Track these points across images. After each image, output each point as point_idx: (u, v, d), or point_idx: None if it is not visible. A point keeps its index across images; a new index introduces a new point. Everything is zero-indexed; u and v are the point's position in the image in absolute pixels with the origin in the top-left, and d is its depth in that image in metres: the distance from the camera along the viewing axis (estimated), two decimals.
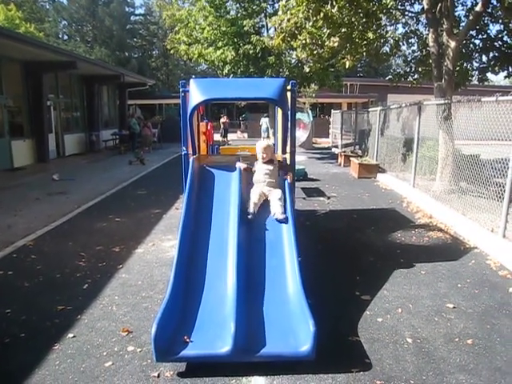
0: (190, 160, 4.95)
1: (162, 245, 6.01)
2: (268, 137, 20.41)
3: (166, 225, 7.07)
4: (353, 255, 5.54)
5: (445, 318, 3.82)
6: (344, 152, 15.26)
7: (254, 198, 4.48)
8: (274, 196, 4.45)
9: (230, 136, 29.04)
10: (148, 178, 12.51)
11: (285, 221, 4.22)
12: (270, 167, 4.67)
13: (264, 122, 22.45)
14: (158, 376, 2.99)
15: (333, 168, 14.44)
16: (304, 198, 9.09)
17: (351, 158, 13.36)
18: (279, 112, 6.04)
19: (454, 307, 4.03)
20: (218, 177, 4.91)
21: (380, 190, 10.40)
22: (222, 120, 26.07)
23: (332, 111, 24.89)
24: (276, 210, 4.33)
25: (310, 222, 7.24)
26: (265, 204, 4.51)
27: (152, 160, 16.30)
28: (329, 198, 9.27)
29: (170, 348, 2.99)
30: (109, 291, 4.43)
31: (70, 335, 3.54)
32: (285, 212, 4.31)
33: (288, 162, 5.08)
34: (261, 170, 4.67)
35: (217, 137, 23.50)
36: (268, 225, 4.33)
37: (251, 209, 4.41)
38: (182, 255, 3.83)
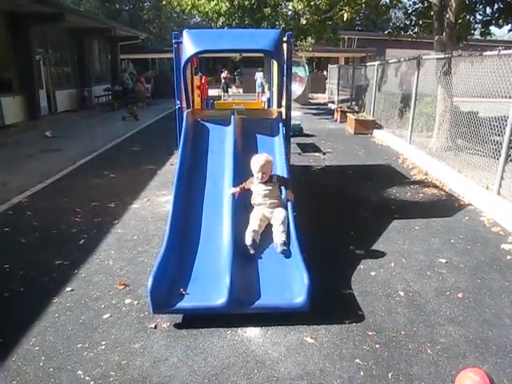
0: (184, 114, 4.87)
1: (157, 200, 6.01)
2: (263, 92, 20.10)
3: (160, 180, 7.06)
4: (348, 210, 5.57)
5: (437, 273, 3.88)
6: (340, 108, 15.08)
7: (254, 224, 3.72)
8: (276, 220, 3.75)
9: None
10: (142, 134, 12.40)
11: (285, 253, 3.56)
12: (269, 187, 3.92)
13: (259, 76, 22.06)
14: (155, 327, 3.06)
15: (329, 124, 14.31)
16: (299, 154, 9.06)
17: (347, 114, 13.23)
18: (275, 65, 5.91)
19: (446, 262, 4.09)
20: (213, 131, 4.85)
21: (376, 146, 10.35)
22: (223, 75, 25.33)
23: (329, 66, 24.43)
24: (277, 239, 3.63)
25: (305, 177, 7.24)
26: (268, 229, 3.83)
27: (146, 116, 16.10)
28: (324, 153, 9.24)
29: (167, 300, 3.03)
30: (105, 246, 4.46)
31: (68, 289, 3.58)
32: (288, 237, 3.67)
33: (284, 116, 5.00)
34: (259, 192, 3.92)
35: (216, 92, 23.19)
36: None
37: (250, 239, 3.59)
38: (176, 209, 3.83)
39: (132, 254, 4.26)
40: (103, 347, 2.84)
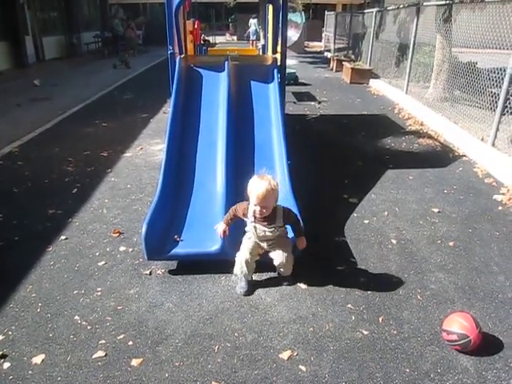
0: (177, 60, 4.72)
1: (151, 149, 5.97)
2: (258, 39, 19.54)
3: (153, 129, 6.99)
4: (342, 159, 5.56)
5: (429, 222, 3.92)
6: (337, 56, 14.78)
7: (245, 252, 2.84)
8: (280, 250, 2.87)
9: (218, 39, 27.67)
10: (134, 82, 12.16)
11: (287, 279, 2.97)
12: (271, 229, 2.78)
13: (253, 23, 21.39)
14: (150, 274, 3.09)
15: (325, 72, 14.07)
16: (294, 103, 8.96)
17: (344, 63, 12.99)
18: (270, 10, 5.70)
19: (438, 211, 4.12)
20: (206, 77, 4.72)
21: (372, 95, 10.22)
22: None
23: (326, 13, 23.65)
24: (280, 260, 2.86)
25: (300, 125, 7.18)
26: None
27: (137, 63, 15.74)
28: (320, 102, 9.13)
29: (161, 247, 3.05)
30: (98, 195, 4.45)
31: (63, 237, 3.59)
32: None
33: (279, 62, 4.86)
34: (260, 231, 2.80)
35: (211, 39, 22.34)
36: (257, 126, 4.26)
37: (240, 269, 2.85)
38: (170, 157, 3.80)
39: (126, 203, 4.25)
40: (99, 293, 2.87)
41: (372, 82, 11.51)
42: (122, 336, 2.49)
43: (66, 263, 3.23)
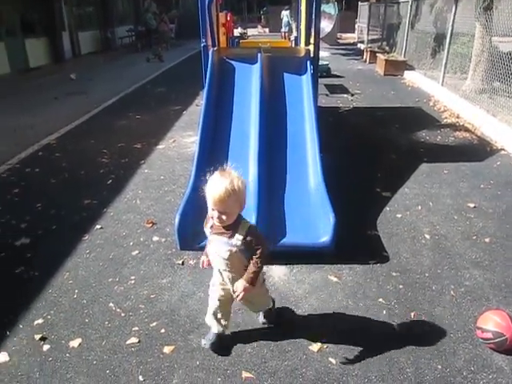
0: (210, 52, 4.76)
1: (183, 141, 6.04)
2: (290, 31, 19.36)
3: (186, 121, 7.07)
4: (375, 152, 5.48)
5: (464, 217, 3.82)
6: (370, 48, 14.52)
7: (213, 304, 2.31)
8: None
9: (250, 31, 27.54)
10: (167, 75, 12.31)
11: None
12: (227, 247, 2.08)
13: (285, 15, 21.13)
14: (183, 263, 3.14)
15: (357, 64, 13.85)
16: (327, 95, 8.87)
17: (377, 54, 12.75)
18: (303, 2, 5.65)
19: (474, 207, 4.01)
20: (239, 69, 4.74)
21: (406, 87, 9.99)
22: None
23: (359, 3, 23.23)
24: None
25: (332, 118, 7.11)
26: None
27: (170, 57, 15.90)
28: (352, 95, 9.01)
29: (193, 237, 3.08)
30: (132, 186, 4.54)
31: (98, 227, 3.69)
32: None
33: (312, 54, 4.82)
34: (213, 250, 2.17)
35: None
36: (290, 118, 4.25)
37: (213, 324, 2.34)
38: (203, 149, 3.85)
39: (159, 194, 4.32)
40: (133, 282, 2.94)
41: (406, 73, 11.25)
42: (154, 324, 2.55)
43: (101, 252, 3.32)
